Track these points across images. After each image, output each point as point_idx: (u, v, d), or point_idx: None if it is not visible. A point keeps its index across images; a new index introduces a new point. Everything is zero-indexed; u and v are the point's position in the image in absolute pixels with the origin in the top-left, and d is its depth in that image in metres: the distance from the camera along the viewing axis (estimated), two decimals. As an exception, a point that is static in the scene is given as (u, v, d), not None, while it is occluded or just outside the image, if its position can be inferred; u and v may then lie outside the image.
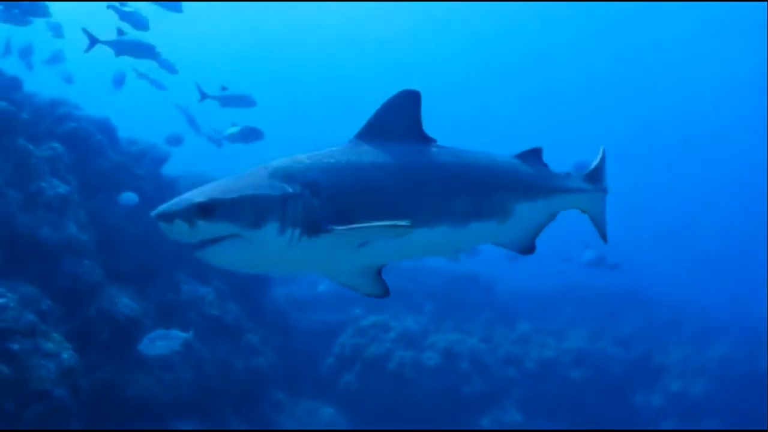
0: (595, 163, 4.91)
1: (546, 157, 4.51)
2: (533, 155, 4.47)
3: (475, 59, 48.66)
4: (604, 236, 4.96)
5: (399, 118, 3.85)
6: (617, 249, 18.00)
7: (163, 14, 11.95)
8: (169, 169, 13.80)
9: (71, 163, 10.99)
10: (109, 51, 11.80)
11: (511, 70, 48.66)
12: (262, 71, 45.26)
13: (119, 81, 15.46)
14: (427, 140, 3.95)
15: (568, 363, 16.29)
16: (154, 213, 3.16)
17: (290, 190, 3.24)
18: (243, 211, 3.10)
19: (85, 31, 11.45)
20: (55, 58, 16.24)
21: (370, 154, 3.65)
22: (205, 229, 3.08)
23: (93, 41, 11.53)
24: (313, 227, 3.23)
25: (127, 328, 9.50)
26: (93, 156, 11.78)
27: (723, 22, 37.30)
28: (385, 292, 3.83)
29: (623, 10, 38.59)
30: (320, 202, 3.29)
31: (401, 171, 3.66)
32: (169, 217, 3.09)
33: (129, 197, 11.19)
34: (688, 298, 25.19)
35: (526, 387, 15.40)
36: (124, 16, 11.79)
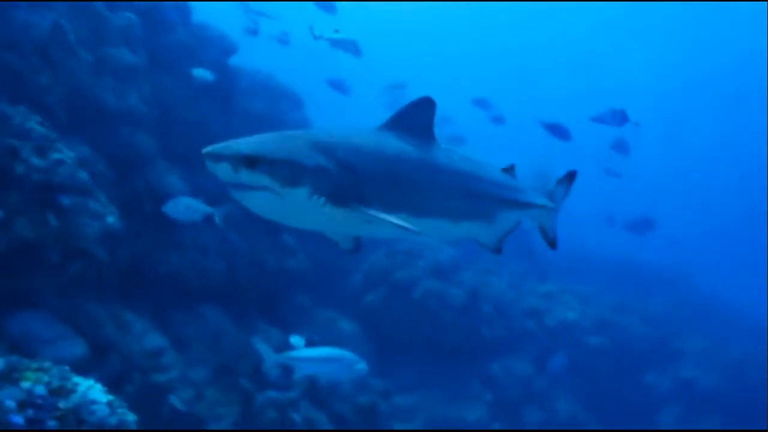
0: (558, 183, 5.76)
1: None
2: (511, 171, 5.31)
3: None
4: (552, 245, 5.74)
5: (418, 118, 4.46)
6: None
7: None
8: (236, 61, 13.84)
9: (143, 36, 11.06)
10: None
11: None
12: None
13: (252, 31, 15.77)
14: (436, 142, 4.57)
15: (589, 328, 16.26)
16: (204, 150, 3.54)
17: (324, 163, 3.71)
18: (282, 171, 3.56)
19: None
20: None
21: (393, 147, 4.23)
22: (246, 177, 3.52)
23: None
24: (338, 199, 3.73)
25: (170, 207, 9.65)
26: (164, 33, 11.85)
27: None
28: (357, 251, 4.63)
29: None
30: (348, 179, 3.79)
31: (417, 167, 4.27)
32: (217, 158, 3.51)
33: (202, 73, 11.25)
34: (729, 291, 24.92)
35: (542, 343, 15.45)
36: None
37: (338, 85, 16.07)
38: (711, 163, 48.78)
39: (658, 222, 18.12)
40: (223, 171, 3.51)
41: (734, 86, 43.48)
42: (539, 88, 45.11)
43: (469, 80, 34.93)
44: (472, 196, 4.61)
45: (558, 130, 13.82)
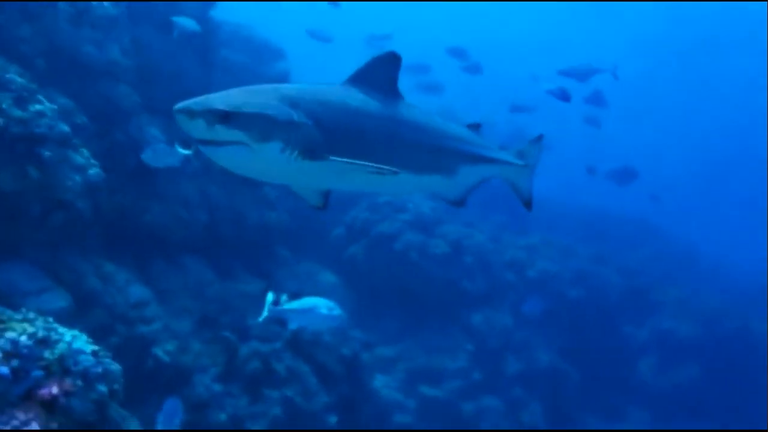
0: (529, 144, 5.82)
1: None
2: (477, 128, 5.37)
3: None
4: (527, 205, 5.83)
5: (382, 73, 4.54)
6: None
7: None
8: (217, 14, 13.68)
9: (123, -14, 10.90)
10: None
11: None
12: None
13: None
14: (401, 97, 4.65)
15: (568, 280, 16.46)
16: (176, 107, 3.52)
17: (295, 117, 3.76)
18: (256, 126, 3.60)
19: None
20: None
21: (359, 101, 4.33)
22: (220, 132, 3.53)
23: None
24: (309, 152, 3.80)
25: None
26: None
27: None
28: (325, 207, 4.68)
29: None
30: (318, 132, 3.86)
31: (380, 121, 4.37)
32: (191, 114, 3.50)
33: (185, 21, 11.07)
34: (710, 246, 25.12)
35: (523, 294, 15.61)
36: None
37: (319, 35, 16.26)
38: (690, 124, 49.28)
39: (640, 173, 18.18)
40: (197, 127, 3.52)
41: (713, 30, 43.43)
42: (516, 43, 45.10)
43: (455, 32, 34.62)
44: (433, 150, 4.75)
45: (558, 92, 13.78)
